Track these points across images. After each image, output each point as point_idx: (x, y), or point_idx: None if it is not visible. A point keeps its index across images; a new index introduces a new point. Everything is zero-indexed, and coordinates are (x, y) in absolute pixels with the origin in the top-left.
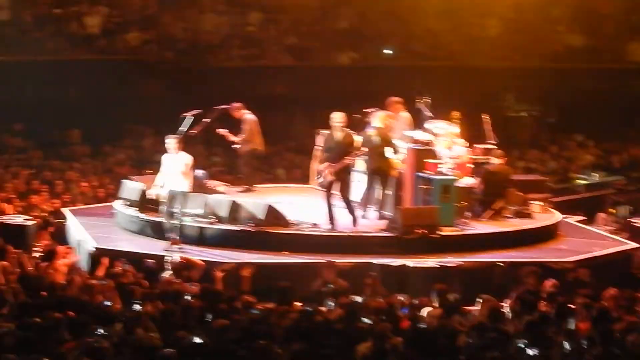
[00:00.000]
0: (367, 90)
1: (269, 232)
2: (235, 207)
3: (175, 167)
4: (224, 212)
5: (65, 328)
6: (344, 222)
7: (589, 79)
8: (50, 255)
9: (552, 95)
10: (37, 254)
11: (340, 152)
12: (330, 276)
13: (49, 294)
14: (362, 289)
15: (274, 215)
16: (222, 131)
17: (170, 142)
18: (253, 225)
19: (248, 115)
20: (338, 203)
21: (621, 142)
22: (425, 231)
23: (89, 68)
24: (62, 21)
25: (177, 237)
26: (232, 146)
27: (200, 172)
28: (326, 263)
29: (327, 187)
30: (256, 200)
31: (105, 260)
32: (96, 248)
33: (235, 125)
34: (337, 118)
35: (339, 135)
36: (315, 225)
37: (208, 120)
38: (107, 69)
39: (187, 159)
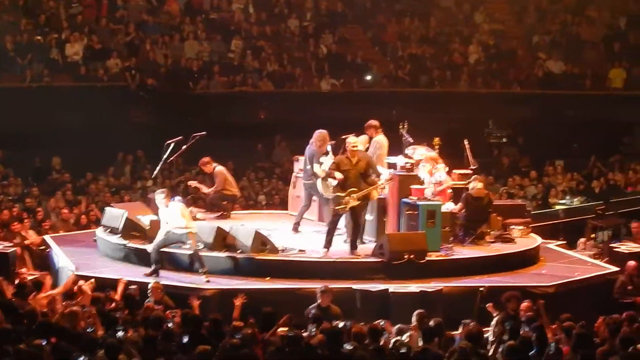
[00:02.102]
0: (348, 117)
1: (255, 258)
2: (220, 234)
3: (171, 219)
4: (209, 238)
5: (47, 355)
6: (335, 249)
7: (570, 105)
8: (37, 285)
9: (533, 121)
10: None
11: (362, 176)
12: (326, 302)
13: (30, 321)
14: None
15: (261, 242)
16: (194, 183)
17: (158, 197)
18: (240, 251)
19: (217, 168)
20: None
21: (601, 168)
22: (413, 257)
23: (70, 95)
24: (43, 48)
25: (156, 268)
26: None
27: (176, 199)
28: (323, 289)
29: (340, 213)
30: (242, 227)
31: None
32: (77, 275)
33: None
34: (355, 142)
35: (356, 159)
36: (301, 251)
37: (185, 147)
38: (88, 96)
39: (178, 210)
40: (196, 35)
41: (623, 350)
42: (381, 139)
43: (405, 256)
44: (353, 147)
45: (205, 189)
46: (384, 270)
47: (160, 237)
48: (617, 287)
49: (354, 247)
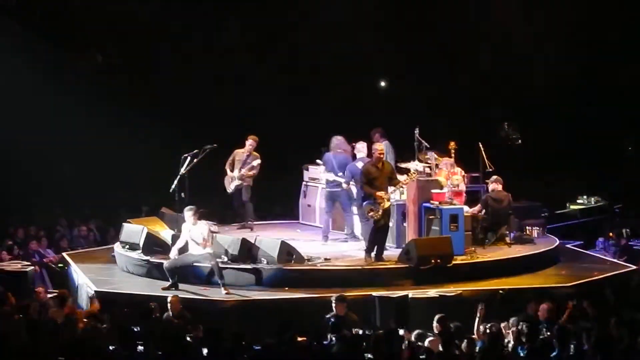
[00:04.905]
0: (362, 123)
1: (282, 268)
2: (245, 245)
3: (195, 237)
4: (234, 250)
5: None
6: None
7: (583, 104)
8: (62, 301)
9: (546, 122)
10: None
11: (388, 180)
12: (342, 310)
13: (52, 338)
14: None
15: (287, 252)
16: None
17: (187, 214)
18: (266, 262)
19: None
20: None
21: (617, 166)
22: (440, 261)
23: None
24: None
25: (174, 282)
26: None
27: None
28: (338, 297)
29: (377, 218)
30: (267, 238)
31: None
32: (96, 291)
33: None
34: (381, 148)
35: (381, 164)
36: (327, 260)
37: (197, 160)
38: (102, 113)
39: (205, 231)
40: None
41: None
42: (389, 145)
43: (432, 261)
44: (380, 153)
45: (249, 173)
46: (411, 276)
47: (176, 253)
48: (635, 285)
49: (374, 253)
